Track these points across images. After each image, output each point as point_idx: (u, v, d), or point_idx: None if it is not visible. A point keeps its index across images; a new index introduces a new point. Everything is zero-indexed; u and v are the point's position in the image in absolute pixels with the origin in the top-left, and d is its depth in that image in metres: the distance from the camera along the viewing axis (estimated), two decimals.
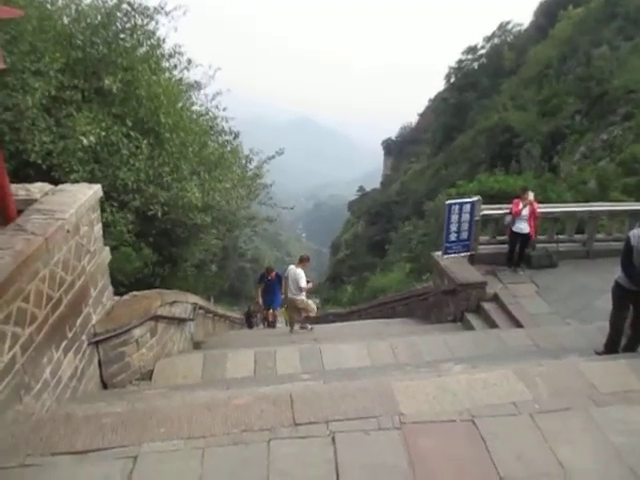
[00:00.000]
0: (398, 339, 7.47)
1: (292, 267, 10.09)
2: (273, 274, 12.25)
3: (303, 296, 10.09)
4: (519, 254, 10.38)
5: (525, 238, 10.16)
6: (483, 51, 63.10)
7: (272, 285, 12.22)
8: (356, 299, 32.05)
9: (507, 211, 10.30)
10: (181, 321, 7.41)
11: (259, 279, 12.62)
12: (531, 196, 10.01)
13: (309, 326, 10.68)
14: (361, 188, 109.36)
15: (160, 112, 9.25)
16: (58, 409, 4.07)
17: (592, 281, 9.58)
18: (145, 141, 8.80)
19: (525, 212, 9.95)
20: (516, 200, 10.11)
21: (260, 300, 12.54)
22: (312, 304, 10.43)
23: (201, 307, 9.31)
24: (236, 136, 12.98)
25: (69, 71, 8.35)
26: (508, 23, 62.87)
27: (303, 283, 9.82)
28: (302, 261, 10.12)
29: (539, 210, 10.19)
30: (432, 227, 23.53)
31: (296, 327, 10.59)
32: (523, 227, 10.04)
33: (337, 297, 39.45)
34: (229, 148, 12.67)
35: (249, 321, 24.15)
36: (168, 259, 11.42)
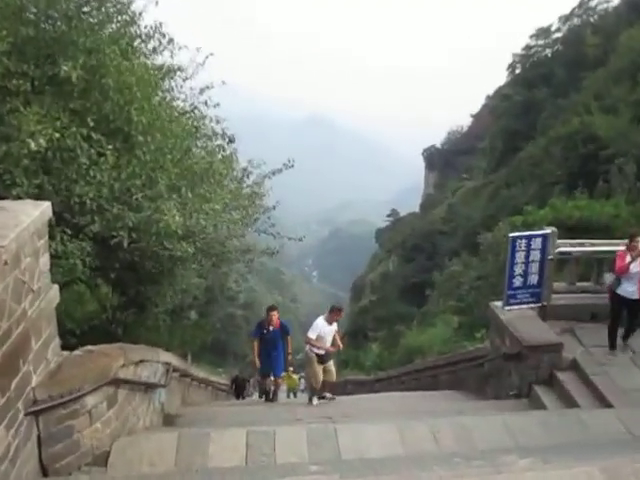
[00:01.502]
0: (441, 420, 7.37)
1: (320, 318, 10.50)
2: (276, 321, 11.64)
3: (312, 354, 10.29)
4: (627, 328, 9.75)
5: (636, 305, 9.43)
6: (558, 34, 63.90)
7: (273, 340, 11.69)
8: (384, 363, 31.76)
9: (607, 263, 9.99)
10: (149, 387, 7.39)
11: (255, 330, 12.07)
12: None
13: (330, 396, 10.75)
14: (394, 212, 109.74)
15: (131, 108, 9.43)
16: None
17: None
18: (110, 146, 8.95)
19: (636, 268, 9.26)
20: (621, 252, 9.53)
21: (257, 360, 11.89)
22: (315, 371, 10.60)
23: (176, 369, 9.30)
24: (230, 140, 13.21)
25: (17, 53, 8.55)
26: None
27: (309, 333, 10.02)
28: (332, 312, 10.33)
29: None
30: (490, 267, 23.41)
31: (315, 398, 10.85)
32: (633, 290, 9.33)
33: (358, 359, 39.18)
34: (220, 156, 12.87)
35: (238, 390, 24.07)
36: (134, 302, 11.51)
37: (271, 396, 12.73)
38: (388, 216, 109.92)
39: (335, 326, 10.63)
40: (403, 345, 32.04)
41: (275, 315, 11.68)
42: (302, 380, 47.37)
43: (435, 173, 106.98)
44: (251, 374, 16.31)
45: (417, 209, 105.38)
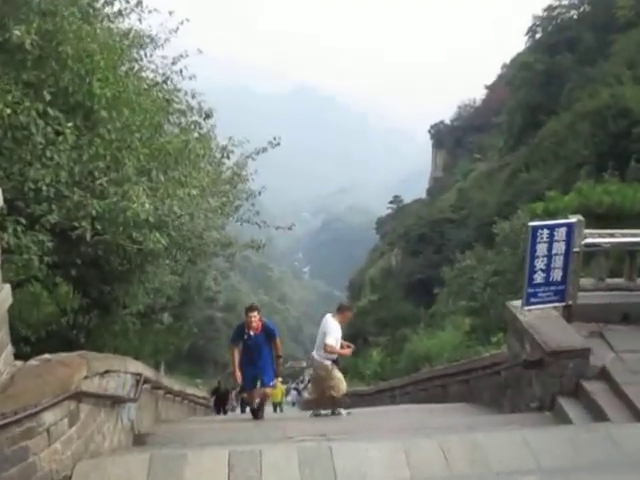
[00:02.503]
0: (452, 437, 7.38)
1: (327, 316, 10.75)
2: (257, 323, 11.05)
3: (328, 361, 10.32)
4: None
5: None
6: None
7: (257, 346, 11.16)
8: (387, 371, 31.82)
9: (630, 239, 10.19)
10: (116, 402, 7.38)
11: (234, 335, 11.50)
12: None
13: (344, 411, 10.83)
14: (397, 198, 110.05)
15: (93, 79, 9.40)
16: None
17: None
18: (70, 123, 8.92)
19: None
20: None
21: (237, 372, 11.31)
22: (340, 378, 10.68)
23: (147, 380, 9.28)
24: (207, 115, 13.17)
25: None
26: None
27: (330, 338, 10.03)
28: (341, 311, 10.49)
29: None
30: (507, 262, 23.47)
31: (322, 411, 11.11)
32: None
33: (357, 367, 39.18)
34: (197, 134, 12.84)
35: (219, 403, 24.17)
36: (98, 303, 11.49)
37: (258, 413, 12.07)
38: (391, 203, 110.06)
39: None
40: (408, 351, 32.08)
41: (255, 317, 11.05)
42: (292, 392, 47.66)
43: (444, 153, 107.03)
44: (234, 385, 15.99)
45: (424, 195, 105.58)
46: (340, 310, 10.86)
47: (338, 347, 10.76)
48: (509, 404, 10.61)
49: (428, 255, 58.82)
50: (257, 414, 12.08)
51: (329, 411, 11.32)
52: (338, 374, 10.95)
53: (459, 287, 31.80)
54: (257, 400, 11.95)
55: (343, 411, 11.29)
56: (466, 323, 27.83)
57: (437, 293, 44.40)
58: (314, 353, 11.02)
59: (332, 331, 10.48)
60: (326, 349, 10.53)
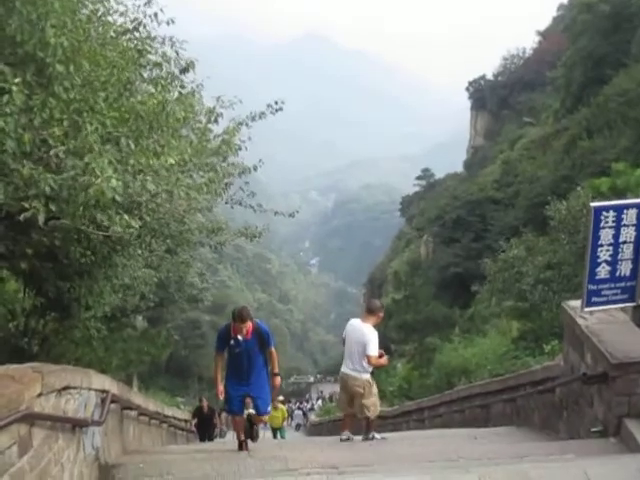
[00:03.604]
0: (495, 469, 7.38)
1: (354, 321, 11.00)
2: (247, 326, 10.48)
3: (367, 375, 10.64)
4: None
5: None
6: None
7: (247, 354, 10.70)
8: (413, 388, 31.86)
9: None
10: (78, 425, 7.39)
11: (218, 341, 11.07)
12: None
13: (378, 435, 10.97)
14: (426, 173, 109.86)
15: (47, 25, 9.37)
16: None
17: None
18: (18, 79, 8.91)
19: None
20: None
21: (220, 386, 10.94)
22: (376, 397, 11.19)
23: (116, 398, 9.30)
24: (187, 69, 13.04)
25: None
26: None
27: (372, 348, 10.13)
28: (372, 312, 10.60)
29: None
30: (563, 252, 23.41)
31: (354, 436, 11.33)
32: None
33: (377, 383, 39.44)
34: (177, 93, 12.76)
35: (204, 427, 24.19)
36: (55, 304, 11.52)
37: (244, 442, 11.41)
38: (418, 179, 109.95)
39: None
40: (440, 363, 32.10)
41: (247, 327, 10.50)
42: (297, 413, 47.88)
43: (485, 116, 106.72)
44: (222, 405, 15.30)
45: (460, 168, 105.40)
46: (371, 311, 11.02)
47: (382, 360, 11.07)
48: (565, 428, 10.60)
49: (466, 244, 58.75)
50: (245, 444, 11.43)
51: (361, 436, 11.52)
52: (375, 390, 11.22)
53: (504, 283, 31.67)
54: (241, 432, 11.43)
55: (377, 435, 11.53)
56: (513, 328, 27.85)
57: (476, 291, 44.38)
58: (346, 369, 11.13)
59: (372, 339, 10.66)
60: (370, 361, 10.74)
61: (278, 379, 11.39)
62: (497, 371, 20.33)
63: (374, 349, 10.55)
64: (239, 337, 10.51)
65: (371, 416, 11.26)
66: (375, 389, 11.24)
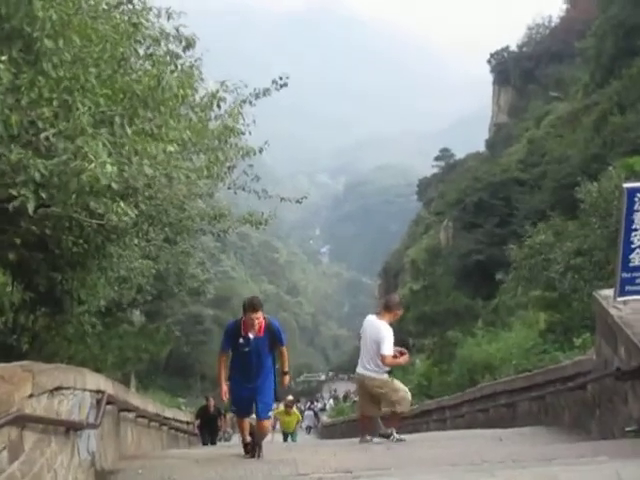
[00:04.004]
0: (522, 472, 7.39)
1: (371, 317, 11.06)
2: (259, 317, 10.35)
3: (385, 374, 10.54)
4: None
5: None
6: None
7: (256, 354, 10.62)
8: (433, 386, 31.86)
9: None
10: (72, 428, 7.41)
11: (224, 340, 10.94)
12: None
13: (397, 436, 11.11)
14: (445, 153, 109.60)
15: None
16: None
17: None
18: (4, 56, 8.91)
19: None
20: None
21: (224, 386, 10.85)
22: (405, 389, 11.11)
23: (112, 399, 9.32)
24: (188, 44, 12.99)
25: None
26: None
27: (387, 347, 10.11)
28: (389, 309, 10.57)
29: None
30: (594, 237, 23.32)
31: (373, 438, 11.22)
32: None
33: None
34: (175, 70, 12.70)
35: (207, 429, 24.19)
36: (46, 298, 11.53)
37: (253, 447, 11.27)
38: (437, 159, 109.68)
39: None
40: (461, 358, 32.08)
41: (259, 319, 10.39)
42: (308, 413, 47.94)
43: (509, 91, 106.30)
44: (227, 405, 15.22)
45: (482, 148, 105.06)
46: (388, 308, 11.03)
47: (402, 359, 11.16)
48: (598, 428, 10.58)
49: (489, 229, 58.60)
50: (252, 451, 11.29)
51: (385, 434, 11.42)
52: (400, 384, 11.22)
53: (530, 271, 31.59)
54: (247, 435, 11.39)
55: (396, 434, 11.31)
56: (540, 320, 27.75)
57: (500, 280, 44.32)
58: (361, 369, 11.15)
59: (386, 337, 10.66)
60: (384, 361, 10.72)
61: (287, 378, 11.36)
62: (524, 367, 20.26)
63: (389, 348, 10.53)
64: (250, 335, 10.39)
65: (404, 410, 11.31)
66: (397, 383, 11.21)
